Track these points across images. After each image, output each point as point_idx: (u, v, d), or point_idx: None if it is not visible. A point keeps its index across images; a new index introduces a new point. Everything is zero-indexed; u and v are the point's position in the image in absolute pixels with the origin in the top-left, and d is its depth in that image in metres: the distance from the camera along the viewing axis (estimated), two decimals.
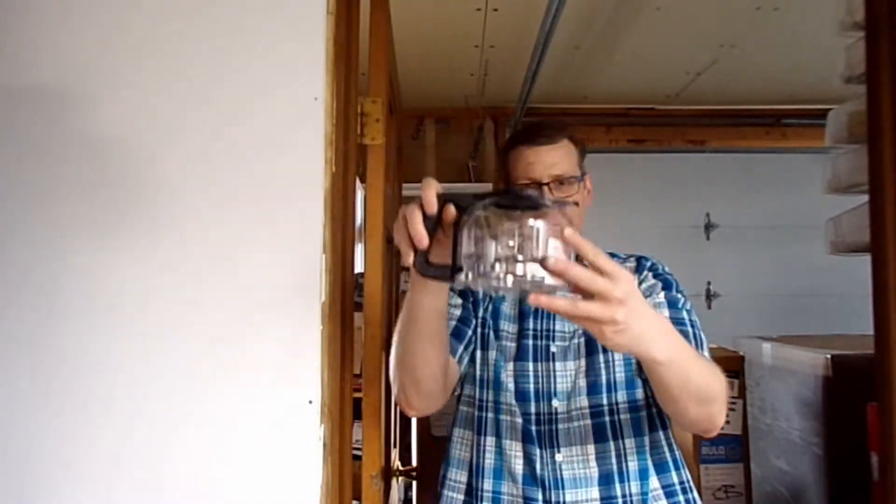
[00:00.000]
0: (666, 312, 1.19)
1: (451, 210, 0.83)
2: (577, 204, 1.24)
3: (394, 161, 1.80)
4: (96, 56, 1.01)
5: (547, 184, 1.21)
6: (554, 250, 0.76)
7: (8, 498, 0.97)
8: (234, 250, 0.99)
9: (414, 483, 2.61)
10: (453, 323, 1.23)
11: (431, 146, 4.13)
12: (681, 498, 1.19)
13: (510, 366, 1.22)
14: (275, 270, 0.99)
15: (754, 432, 2.43)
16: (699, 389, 0.97)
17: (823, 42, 2.77)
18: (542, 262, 0.75)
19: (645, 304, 0.83)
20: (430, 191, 0.85)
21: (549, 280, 0.76)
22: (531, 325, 1.24)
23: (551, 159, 1.22)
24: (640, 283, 1.25)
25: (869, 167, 0.97)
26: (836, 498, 2.03)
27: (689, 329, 1.19)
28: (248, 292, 0.99)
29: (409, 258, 0.85)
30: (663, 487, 1.18)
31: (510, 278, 0.76)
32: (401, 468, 1.76)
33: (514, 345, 1.24)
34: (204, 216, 0.99)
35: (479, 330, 1.27)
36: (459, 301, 1.30)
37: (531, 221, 0.76)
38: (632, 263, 1.30)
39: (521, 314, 1.26)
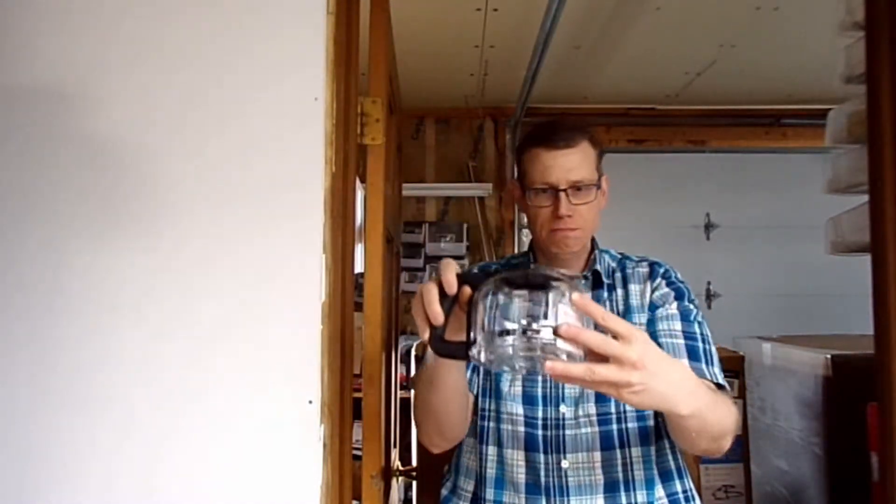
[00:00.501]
0: (678, 325, 1.18)
1: (467, 290, 0.87)
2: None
3: (394, 161, 1.80)
4: (96, 56, 1.01)
5: (564, 189, 1.18)
6: (564, 316, 0.77)
7: (7, 496, 0.97)
8: (233, 250, 0.99)
9: (414, 483, 2.61)
10: None
11: (431, 146, 4.13)
12: None
13: (518, 376, 1.20)
14: (275, 270, 0.99)
15: (754, 432, 2.43)
16: (714, 431, 0.99)
17: (823, 42, 2.77)
18: (555, 331, 0.76)
19: (662, 359, 0.81)
20: (451, 272, 0.88)
21: (562, 346, 0.76)
22: None
23: (569, 164, 1.19)
24: (652, 291, 1.24)
25: (869, 167, 0.97)
26: (836, 498, 2.02)
27: (700, 344, 1.17)
28: (248, 292, 0.99)
29: (424, 334, 0.88)
30: (668, 496, 1.18)
31: (522, 350, 0.77)
32: (401, 468, 1.76)
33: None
34: (203, 216, 0.99)
35: None
36: None
37: (541, 293, 0.78)
38: (644, 268, 1.28)
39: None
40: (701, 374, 1.11)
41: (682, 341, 1.17)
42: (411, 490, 2.84)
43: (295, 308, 0.98)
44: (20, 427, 0.97)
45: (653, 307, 1.22)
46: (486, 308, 0.80)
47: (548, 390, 1.19)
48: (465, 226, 4.04)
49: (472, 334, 0.81)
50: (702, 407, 0.89)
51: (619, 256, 1.33)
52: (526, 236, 4.01)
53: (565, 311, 0.77)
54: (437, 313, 0.86)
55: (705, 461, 2.31)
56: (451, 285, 0.87)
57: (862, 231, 1.45)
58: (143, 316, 0.98)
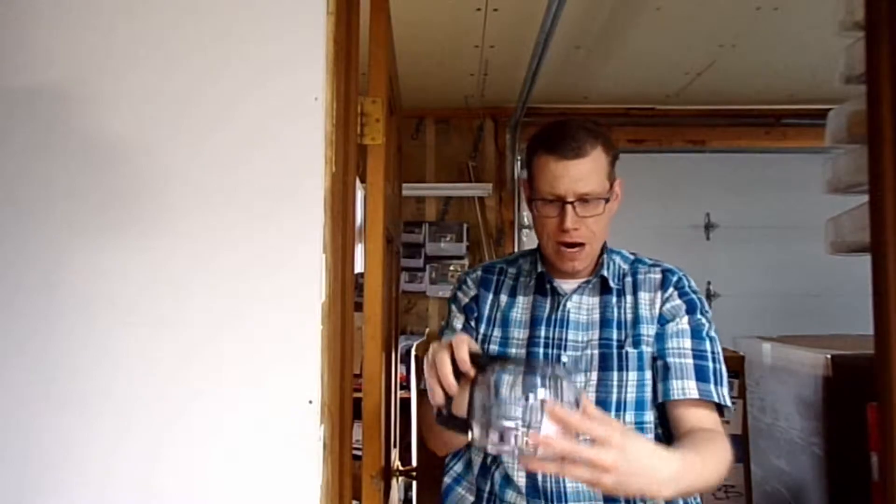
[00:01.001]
0: (688, 343, 1.17)
1: (472, 372, 0.93)
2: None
3: (394, 161, 1.80)
4: (95, 56, 1.01)
5: (571, 202, 1.14)
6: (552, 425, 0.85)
7: (7, 496, 0.97)
8: (233, 250, 0.99)
9: (414, 483, 2.61)
10: None
11: (431, 146, 4.13)
12: None
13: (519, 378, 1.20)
14: (274, 270, 0.99)
15: (754, 432, 2.43)
16: (703, 489, 1.04)
17: (823, 42, 2.77)
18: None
19: (640, 458, 0.88)
20: (465, 351, 0.93)
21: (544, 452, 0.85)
22: (543, 333, 1.21)
23: (578, 174, 1.14)
24: (663, 302, 1.20)
25: (869, 167, 0.97)
26: (836, 498, 2.03)
27: (710, 364, 1.16)
28: (248, 292, 0.99)
29: (437, 399, 0.95)
30: None
31: (509, 447, 0.86)
32: (401, 468, 1.76)
33: (524, 351, 1.22)
34: (203, 216, 0.99)
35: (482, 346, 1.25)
36: (459, 325, 1.29)
37: (534, 397, 0.85)
38: (657, 275, 1.24)
39: (533, 321, 1.23)
40: (708, 395, 1.13)
41: (690, 361, 1.16)
42: (411, 490, 2.84)
43: (295, 308, 0.98)
44: (18, 427, 0.97)
45: (663, 320, 1.19)
46: (485, 395, 0.89)
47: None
48: (465, 226, 4.04)
49: (470, 416, 0.90)
50: (687, 486, 0.96)
51: (632, 258, 1.29)
52: (526, 236, 4.01)
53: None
54: (452, 385, 0.93)
55: None
56: (466, 364, 0.93)
57: (862, 231, 1.45)
58: (141, 315, 0.98)
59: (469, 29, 2.77)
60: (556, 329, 1.21)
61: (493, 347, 1.25)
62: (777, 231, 4.08)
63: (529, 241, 3.92)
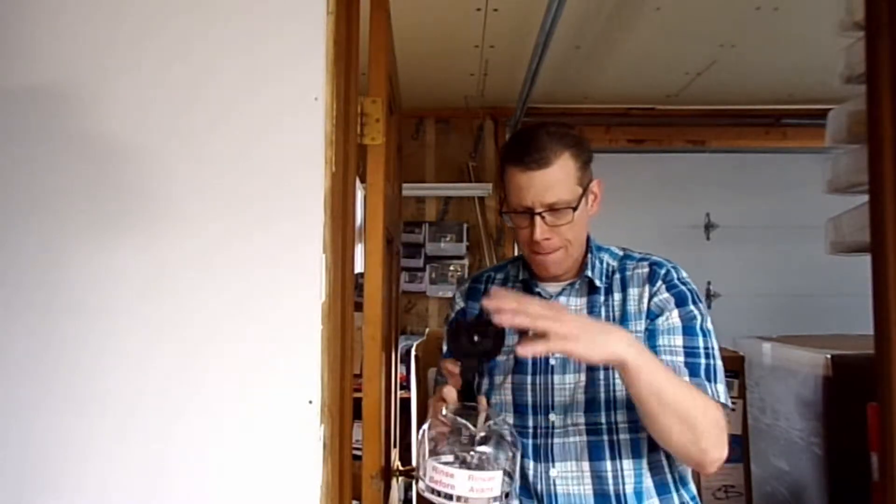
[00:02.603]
0: (679, 340, 1.13)
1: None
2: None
3: (394, 161, 1.80)
4: (94, 57, 1.01)
5: (540, 213, 1.13)
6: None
7: (6, 495, 0.97)
8: (233, 250, 0.99)
9: (414, 483, 2.61)
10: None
11: (431, 146, 4.13)
12: None
13: (508, 379, 1.19)
14: (274, 270, 0.99)
15: (754, 432, 2.43)
16: (681, 412, 1.01)
17: (823, 42, 2.76)
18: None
19: (592, 321, 1.04)
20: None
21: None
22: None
23: (544, 184, 1.12)
24: (651, 296, 1.18)
25: (869, 167, 0.97)
26: (836, 498, 2.02)
27: (702, 360, 1.12)
28: (247, 292, 0.99)
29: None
30: None
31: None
32: (401, 468, 1.76)
33: (512, 357, 1.19)
34: (203, 215, 0.99)
35: None
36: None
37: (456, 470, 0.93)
38: (644, 269, 1.21)
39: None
40: (702, 389, 1.09)
41: (682, 358, 1.12)
42: (411, 490, 2.84)
43: (295, 308, 0.98)
44: (18, 426, 0.97)
45: (651, 315, 1.17)
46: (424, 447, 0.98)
47: (538, 398, 1.17)
48: (465, 226, 4.04)
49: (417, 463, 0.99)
50: (648, 366, 0.99)
51: (621, 255, 1.26)
52: None
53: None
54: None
55: None
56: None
57: (862, 231, 1.45)
58: (141, 316, 0.98)
59: (469, 29, 2.77)
60: None
61: None
62: (777, 231, 4.08)
63: None
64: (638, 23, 2.73)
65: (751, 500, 2.33)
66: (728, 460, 2.28)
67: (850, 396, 1.92)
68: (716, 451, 1.05)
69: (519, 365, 1.19)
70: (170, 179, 1.00)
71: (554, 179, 1.13)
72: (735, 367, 2.35)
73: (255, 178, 1.00)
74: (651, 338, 1.14)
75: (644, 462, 1.15)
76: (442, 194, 4.10)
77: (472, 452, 0.95)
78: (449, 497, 0.92)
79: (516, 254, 1.38)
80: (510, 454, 0.97)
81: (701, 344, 1.13)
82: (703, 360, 1.12)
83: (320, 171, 0.99)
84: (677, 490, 1.17)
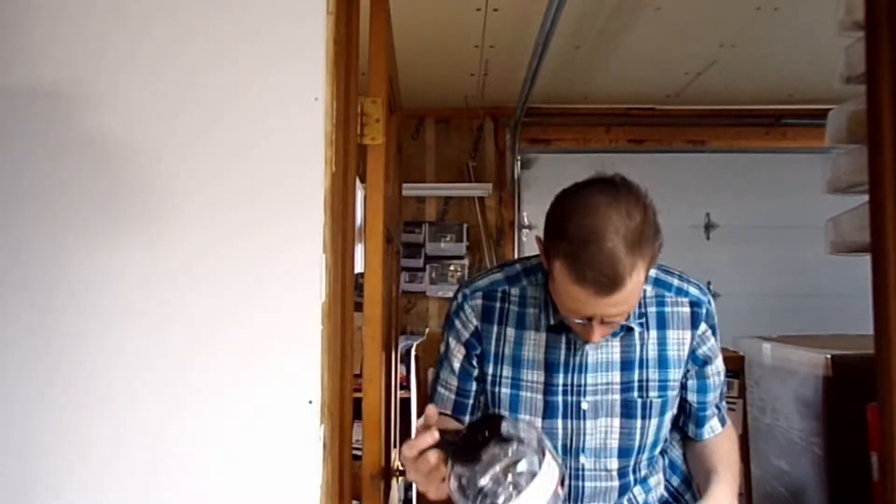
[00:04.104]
0: (718, 392, 1.22)
1: (441, 470, 0.92)
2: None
3: (394, 161, 1.80)
4: (95, 56, 1.01)
5: (601, 320, 1.01)
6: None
7: (7, 495, 0.97)
8: (233, 250, 0.99)
9: (414, 483, 2.61)
10: (452, 398, 1.21)
11: (431, 146, 4.13)
12: None
13: (538, 423, 1.14)
14: (274, 270, 0.99)
15: (754, 432, 2.43)
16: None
17: (823, 42, 2.77)
18: None
19: None
20: (426, 443, 0.94)
21: None
22: (560, 381, 1.13)
23: (612, 303, 0.96)
24: (697, 342, 1.15)
25: (869, 167, 0.97)
26: (836, 498, 2.02)
27: (721, 389, 1.23)
28: (247, 292, 0.99)
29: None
30: None
31: None
32: (401, 468, 1.76)
33: (540, 397, 1.14)
34: (203, 216, 0.99)
35: (487, 388, 1.18)
36: (458, 363, 1.19)
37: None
38: (685, 308, 1.14)
39: (549, 364, 1.14)
40: (723, 421, 1.23)
41: (718, 401, 1.23)
42: (411, 490, 2.84)
43: (295, 308, 0.98)
44: (19, 425, 0.97)
45: (699, 361, 1.16)
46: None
47: (569, 441, 1.13)
48: (465, 226, 4.04)
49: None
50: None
51: (654, 278, 1.15)
52: (525, 236, 4.01)
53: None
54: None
55: None
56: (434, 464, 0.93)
57: (862, 231, 1.45)
58: (142, 315, 0.98)
59: (469, 29, 2.77)
60: (575, 375, 1.12)
61: (504, 390, 1.16)
62: (777, 231, 4.07)
63: (529, 241, 3.92)
64: (638, 23, 2.73)
65: (751, 500, 2.33)
66: None
67: (850, 396, 1.91)
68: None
69: (549, 409, 1.13)
70: (170, 179, 1.00)
71: (626, 296, 0.96)
72: (735, 367, 2.35)
73: (255, 178, 1.00)
74: (702, 392, 1.20)
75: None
76: (442, 194, 4.10)
77: (505, 477, 0.86)
78: None
79: (516, 252, 1.34)
80: (532, 442, 0.89)
81: (721, 381, 1.22)
82: (722, 391, 1.23)
83: (320, 171, 0.99)
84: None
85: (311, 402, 0.97)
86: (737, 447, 1.23)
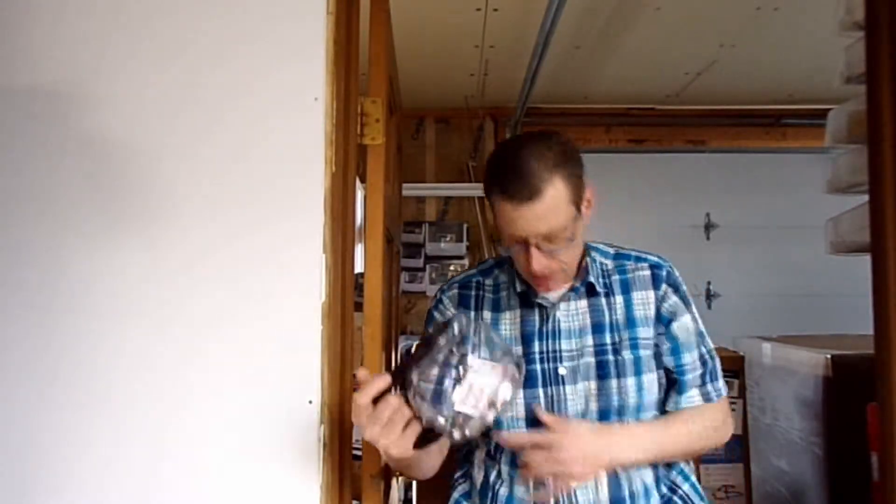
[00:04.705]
0: (695, 353, 1.21)
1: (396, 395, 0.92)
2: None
3: (394, 161, 1.80)
4: (94, 57, 1.01)
5: (535, 243, 1.09)
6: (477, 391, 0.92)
7: (7, 496, 0.97)
8: (233, 250, 0.99)
9: (414, 483, 2.61)
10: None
11: (431, 146, 4.13)
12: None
13: (519, 393, 1.15)
14: (275, 270, 0.99)
15: (754, 432, 2.43)
16: (688, 453, 1.18)
17: (823, 42, 2.77)
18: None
19: (586, 438, 1.08)
20: (375, 389, 0.92)
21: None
22: (537, 349, 1.18)
23: (536, 216, 1.06)
24: (660, 301, 1.20)
25: (869, 167, 0.97)
26: (836, 498, 2.02)
27: (710, 363, 1.21)
28: (247, 292, 0.99)
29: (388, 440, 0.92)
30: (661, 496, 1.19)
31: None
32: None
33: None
34: (203, 216, 0.99)
35: None
36: None
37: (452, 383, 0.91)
38: (646, 271, 1.22)
39: (525, 337, 1.19)
40: (708, 397, 1.21)
41: (700, 370, 1.21)
42: (411, 490, 2.84)
43: (295, 308, 0.98)
44: (19, 425, 0.97)
45: (664, 319, 1.20)
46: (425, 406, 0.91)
47: (551, 408, 1.16)
48: (465, 226, 4.04)
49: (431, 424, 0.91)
50: (654, 447, 1.12)
51: (613, 253, 1.26)
52: None
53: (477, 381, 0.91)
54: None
55: (705, 461, 2.31)
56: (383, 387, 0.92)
57: (862, 231, 1.45)
58: (142, 315, 0.98)
59: (469, 29, 2.77)
60: (549, 341, 1.18)
61: None
62: (777, 231, 4.07)
63: None
64: (638, 23, 2.73)
65: (751, 500, 2.33)
66: (728, 460, 2.27)
67: (850, 396, 1.92)
68: (728, 435, 1.22)
69: (529, 378, 1.16)
70: (169, 179, 1.00)
71: (546, 208, 1.06)
72: (735, 367, 2.35)
73: (255, 178, 1.00)
74: (675, 354, 1.20)
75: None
76: (442, 194, 4.10)
77: (453, 368, 0.91)
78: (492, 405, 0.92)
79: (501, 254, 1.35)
80: (481, 333, 0.94)
81: (705, 351, 1.22)
82: (709, 366, 1.22)
83: (320, 171, 1.00)
84: (675, 480, 1.23)
85: (311, 402, 0.98)
86: (716, 425, 1.19)
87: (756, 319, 3.76)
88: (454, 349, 0.91)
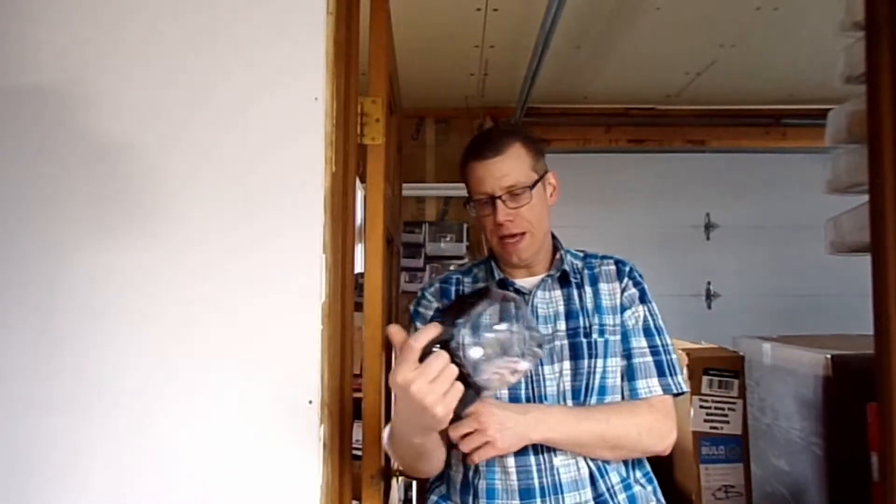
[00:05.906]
0: (644, 342, 1.26)
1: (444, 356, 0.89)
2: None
3: (394, 161, 1.80)
4: (96, 57, 1.01)
5: (499, 196, 1.23)
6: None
7: (7, 493, 0.97)
8: (233, 250, 0.99)
9: (414, 483, 2.61)
10: None
11: (431, 146, 4.13)
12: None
13: None
14: (274, 270, 0.99)
15: (754, 432, 2.43)
16: (609, 448, 1.18)
17: (823, 42, 2.77)
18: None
19: (504, 415, 1.12)
20: (424, 341, 0.92)
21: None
22: None
23: (500, 171, 1.23)
24: (622, 291, 1.30)
25: (869, 167, 0.97)
26: (836, 498, 2.02)
27: (664, 357, 1.27)
28: (248, 292, 0.99)
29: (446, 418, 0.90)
30: (634, 476, 1.25)
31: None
32: (401, 468, 1.76)
33: None
34: (203, 216, 0.99)
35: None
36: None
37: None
38: (611, 266, 1.33)
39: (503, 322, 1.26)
40: (668, 389, 1.25)
41: (650, 359, 1.26)
42: (411, 490, 2.84)
43: (295, 308, 0.98)
44: (19, 425, 0.97)
45: (622, 308, 1.29)
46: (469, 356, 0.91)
47: (531, 391, 1.22)
48: (465, 226, 4.04)
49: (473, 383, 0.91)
50: (561, 427, 1.15)
51: (582, 255, 1.38)
52: None
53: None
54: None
55: (705, 461, 2.31)
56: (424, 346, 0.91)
57: (862, 231, 1.45)
58: (143, 316, 0.98)
59: (469, 29, 2.77)
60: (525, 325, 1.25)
61: None
62: (777, 231, 4.08)
63: None
64: (638, 23, 2.73)
65: (751, 500, 2.33)
66: (728, 460, 2.27)
67: (850, 396, 1.91)
68: (660, 445, 1.22)
69: None
70: (170, 180, 1.00)
71: (509, 165, 1.23)
72: (735, 367, 2.35)
73: (255, 178, 1.00)
74: (625, 340, 1.28)
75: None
76: (442, 194, 4.10)
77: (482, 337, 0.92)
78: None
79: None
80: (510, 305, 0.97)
81: (659, 342, 1.28)
82: (664, 357, 1.27)
83: (320, 172, 0.99)
84: (632, 466, 1.28)
85: (311, 402, 0.97)
86: (642, 430, 1.20)
87: (756, 319, 3.76)
88: (507, 314, 0.95)
